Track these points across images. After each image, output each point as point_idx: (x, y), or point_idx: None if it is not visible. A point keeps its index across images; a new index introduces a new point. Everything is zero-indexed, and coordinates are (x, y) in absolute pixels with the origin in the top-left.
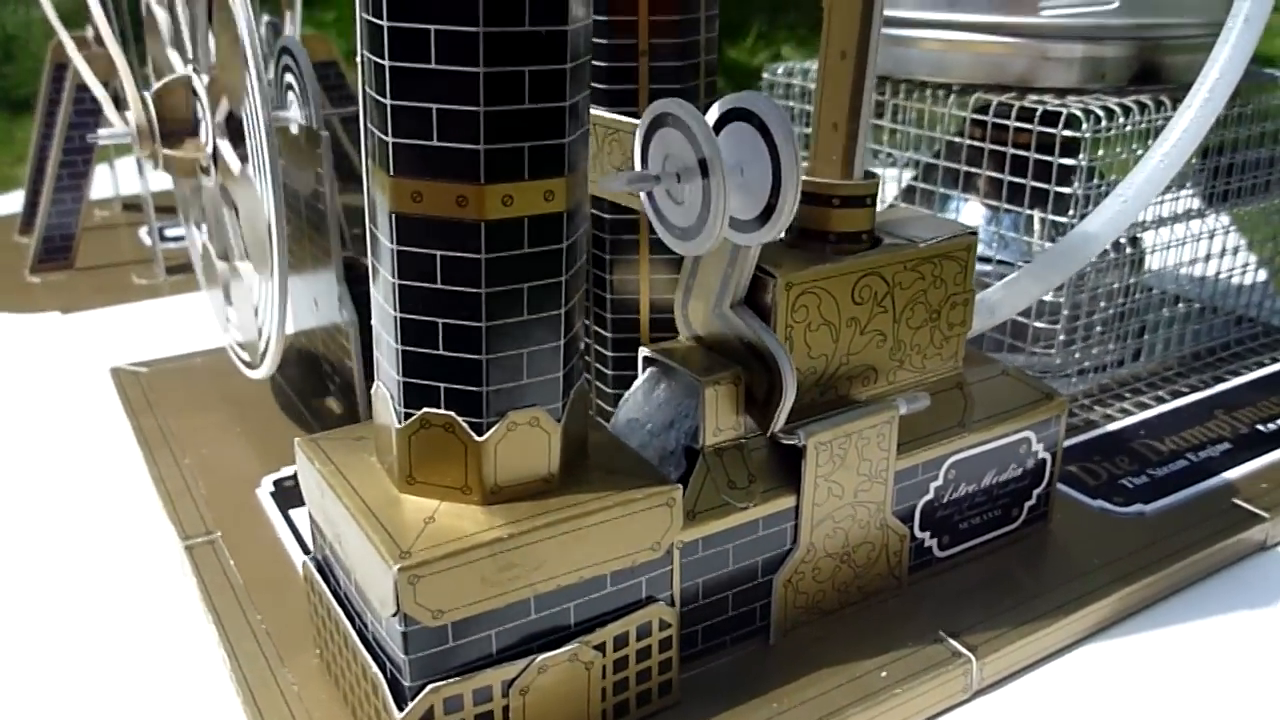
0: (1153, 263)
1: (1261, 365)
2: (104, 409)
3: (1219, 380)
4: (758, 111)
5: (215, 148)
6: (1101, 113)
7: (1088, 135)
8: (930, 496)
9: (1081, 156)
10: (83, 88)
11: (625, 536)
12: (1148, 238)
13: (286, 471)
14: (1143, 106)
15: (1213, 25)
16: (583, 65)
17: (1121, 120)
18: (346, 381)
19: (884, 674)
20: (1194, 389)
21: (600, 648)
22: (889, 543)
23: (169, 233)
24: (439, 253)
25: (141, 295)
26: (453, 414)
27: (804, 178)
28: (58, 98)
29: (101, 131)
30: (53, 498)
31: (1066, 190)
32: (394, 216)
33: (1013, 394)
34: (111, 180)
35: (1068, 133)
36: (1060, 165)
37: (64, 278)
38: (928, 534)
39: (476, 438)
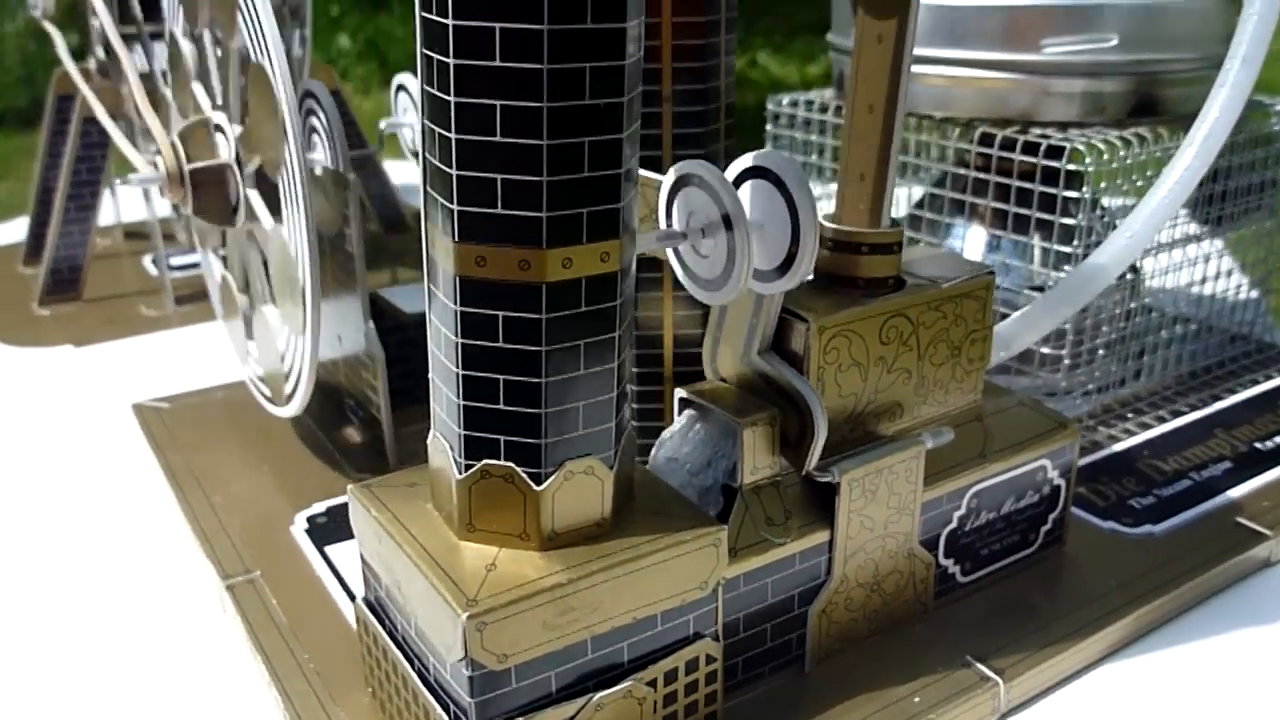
0: (1152, 285)
1: (1256, 383)
2: (127, 445)
3: (1216, 399)
4: (775, 170)
5: (244, 196)
6: (1104, 147)
7: (1091, 169)
8: (954, 525)
9: (1085, 189)
10: (90, 120)
11: (676, 577)
12: (1147, 263)
13: (319, 508)
14: (1142, 139)
15: (1206, 59)
16: (636, 131)
17: (1123, 154)
18: (371, 415)
19: (916, 699)
20: (1193, 408)
21: (652, 684)
22: (916, 571)
23: (174, 261)
24: (501, 313)
25: (152, 327)
26: (512, 465)
27: (833, 225)
28: (63, 129)
29: (132, 177)
30: (83, 537)
31: (1070, 221)
32: (458, 280)
33: (1028, 423)
34: (113, 208)
35: (1072, 166)
36: (1064, 197)
37: (73, 309)
38: (951, 561)
39: (535, 487)
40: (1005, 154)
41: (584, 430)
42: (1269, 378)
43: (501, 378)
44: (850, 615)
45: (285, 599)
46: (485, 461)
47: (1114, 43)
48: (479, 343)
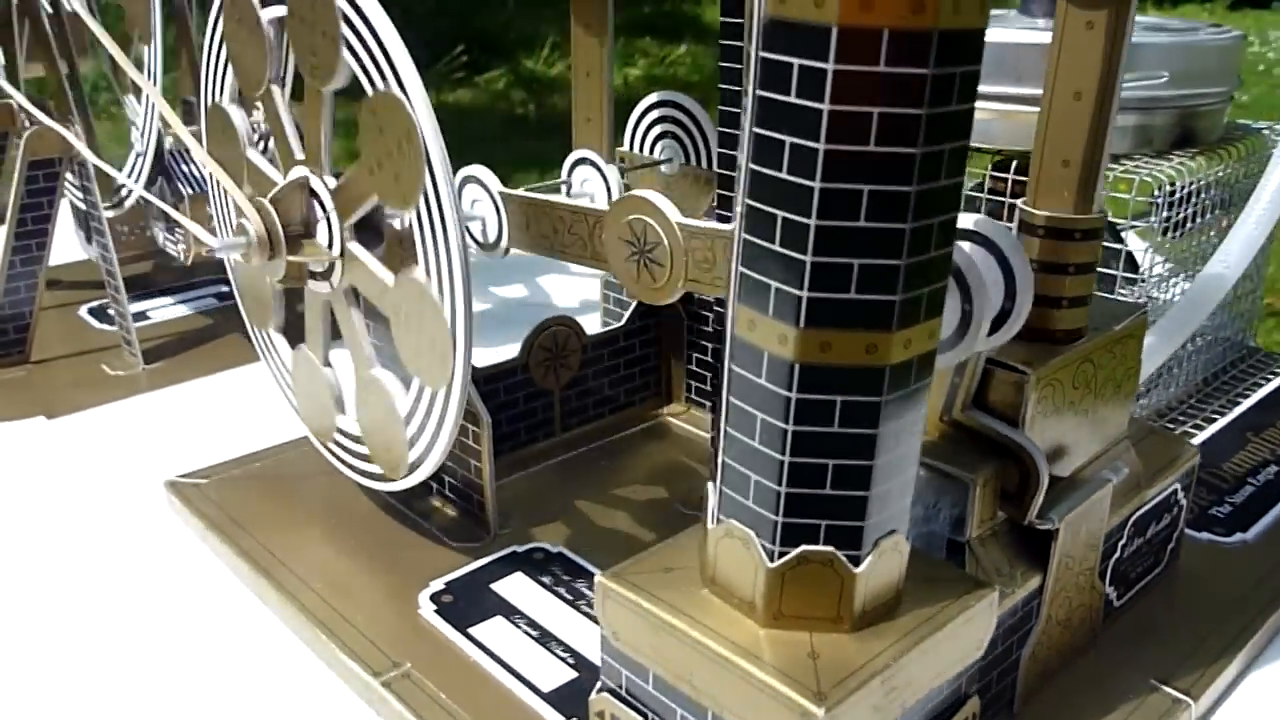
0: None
1: (1258, 386)
2: (169, 530)
3: (1233, 404)
4: (992, 236)
5: (344, 251)
6: (1174, 173)
7: (1160, 200)
8: (1117, 554)
9: (1152, 217)
10: (36, 164)
11: (964, 641)
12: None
13: (437, 586)
14: (1189, 170)
15: (1226, 91)
16: None
17: (1188, 180)
18: (467, 482)
19: None
20: (1218, 414)
21: None
22: (1093, 603)
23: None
24: (840, 398)
25: (125, 390)
26: (833, 549)
27: (1042, 213)
28: None
29: (216, 243)
30: (164, 648)
31: (1137, 247)
32: (797, 367)
33: (1159, 447)
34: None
35: (1141, 198)
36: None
37: (23, 374)
38: (1111, 588)
39: (854, 569)
40: None
41: (894, 508)
42: (1267, 380)
43: (832, 462)
44: (1048, 653)
45: (453, 690)
46: (804, 548)
47: (1165, 79)
48: (812, 429)
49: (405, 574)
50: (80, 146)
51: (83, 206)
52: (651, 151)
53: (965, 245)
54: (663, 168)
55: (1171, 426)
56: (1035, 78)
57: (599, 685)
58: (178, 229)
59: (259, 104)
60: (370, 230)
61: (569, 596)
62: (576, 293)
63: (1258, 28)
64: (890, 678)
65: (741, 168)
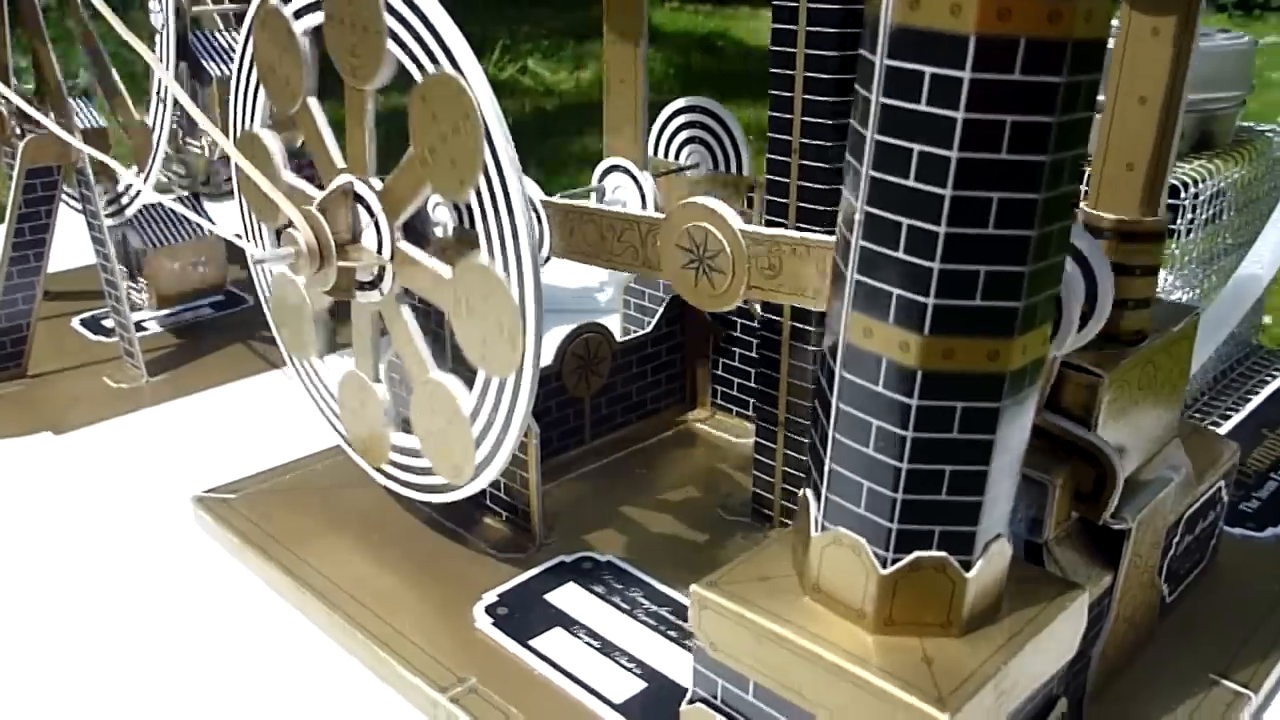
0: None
1: (1265, 383)
2: (201, 547)
3: (1244, 400)
4: (1078, 246)
5: (395, 253)
6: (1199, 174)
7: (1186, 202)
8: (1172, 551)
9: (1179, 221)
10: (34, 172)
11: (1061, 643)
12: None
13: (490, 598)
14: (1210, 172)
15: (1239, 96)
16: None
17: (1209, 181)
18: (512, 492)
19: None
20: (1232, 411)
21: None
22: (1152, 600)
23: (107, 324)
24: (960, 404)
25: (131, 404)
26: (945, 554)
27: (1109, 215)
28: None
29: (262, 254)
30: (233, 676)
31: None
32: (919, 374)
33: (1204, 445)
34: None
35: (1171, 201)
36: None
37: (22, 389)
38: (1165, 585)
39: (965, 574)
40: None
41: (1001, 511)
42: (1273, 376)
43: (949, 468)
44: (1115, 650)
45: (523, 703)
46: (917, 554)
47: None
48: (931, 435)
49: (455, 587)
50: (79, 145)
51: (81, 215)
52: (677, 157)
53: None
54: (689, 173)
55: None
56: None
57: (690, 696)
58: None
59: (295, 121)
60: (415, 234)
61: (625, 606)
62: (583, 298)
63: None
64: (1001, 680)
65: (860, 175)
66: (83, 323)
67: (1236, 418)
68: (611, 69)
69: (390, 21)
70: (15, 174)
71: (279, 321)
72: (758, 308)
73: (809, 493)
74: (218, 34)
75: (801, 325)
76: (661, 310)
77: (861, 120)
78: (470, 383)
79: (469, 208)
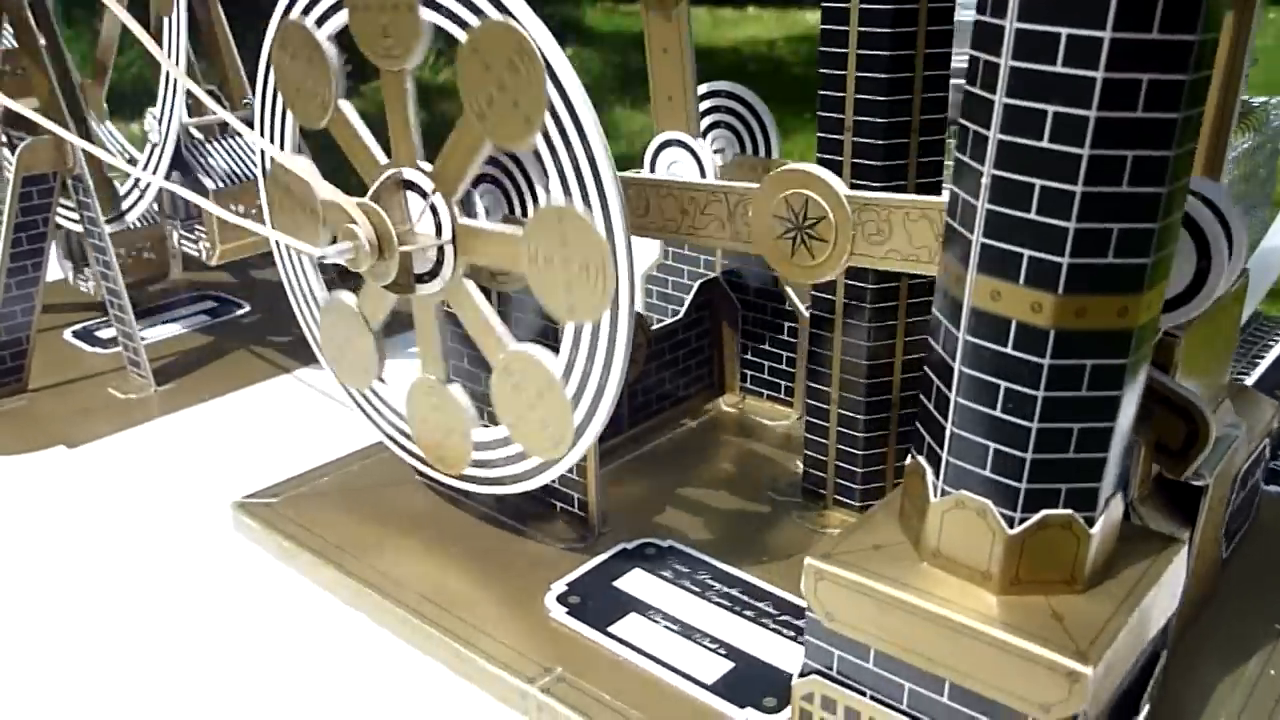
0: None
1: (1269, 347)
2: (244, 555)
3: (1253, 365)
4: (1208, 194)
5: (455, 230)
6: None
7: None
8: (1231, 507)
9: None
10: (30, 180)
11: (1170, 593)
12: None
13: (559, 588)
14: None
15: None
16: None
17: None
18: (568, 482)
19: (1272, 672)
20: (1241, 375)
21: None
22: (1215, 556)
23: (101, 334)
24: (1090, 362)
25: (141, 415)
26: (1071, 511)
27: None
28: None
29: (330, 249)
30: (306, 686)
31: None
32: (1052, 333)
33: (1252, 405)
34: None
35: None
36: None
37: (25, 403)
38: (1224, 541)
39: (1090, 530)
40: None
41: (1120, 467)
42: (1276, 341)
43: (1076, 426)
44: (1187, 607)
45: (614, 690)
46: (1044, 512)
47: None
48: (1062, 394)
49: (521, 579)
50: (82, 145)
51: (76, 226)
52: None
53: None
54: (716, 157)
55: None
56: None
57: (801, 668)
58: (198, 228)
59: (329, 131)
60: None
61: (695, 588)
62: None
63: None
64: (1130, 634)
65: (985, 139)
66: (75, 335)
67: (1247, 381)
68: (653, 39)
69: None
70: (11, 182)
71: (332, 357)
72: (790, 291)
73: (923, 460)
74: (211, 144)
75: (856, 303)
76: (691, 296)
77: (985, 85)
78: (557, 343)
79: (522, 175)
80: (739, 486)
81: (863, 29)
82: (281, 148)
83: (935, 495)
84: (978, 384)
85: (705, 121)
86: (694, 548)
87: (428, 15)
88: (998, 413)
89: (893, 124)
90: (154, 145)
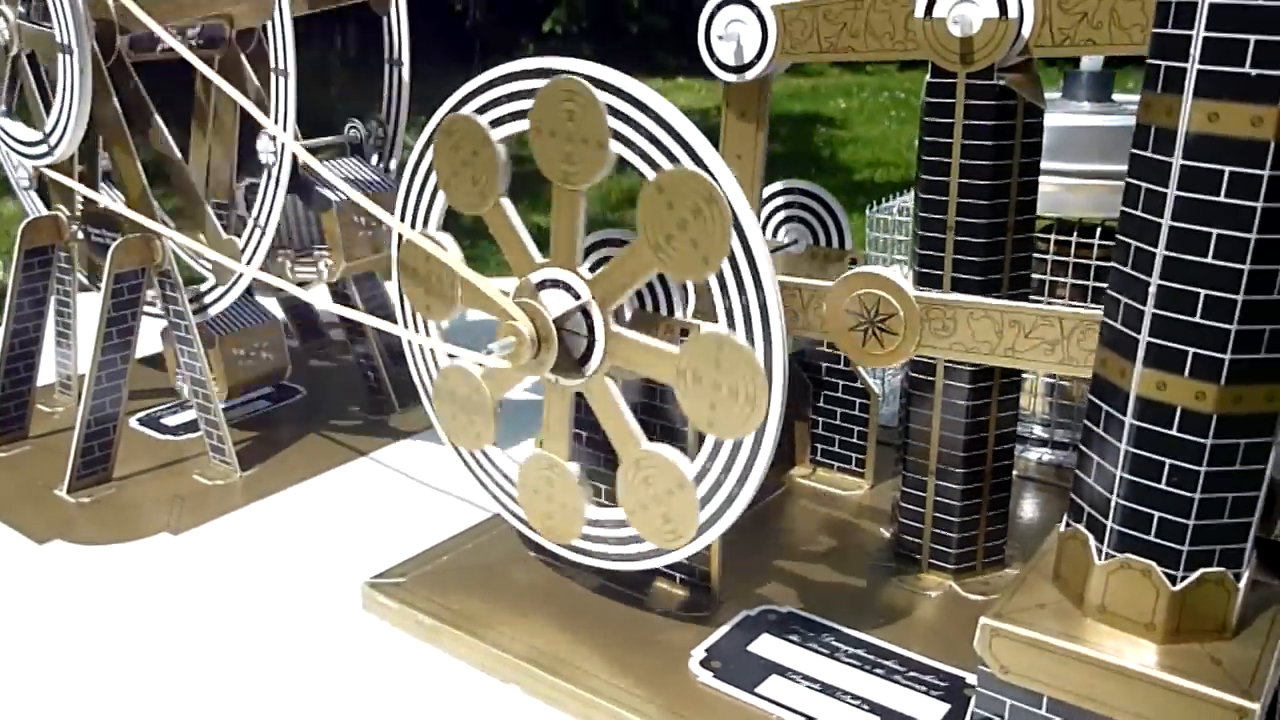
0: None
1: None
2: (381, 635)
3: None
4: None
5: (608, 335)
6: None
7: None
8: None
9: None
10: (122, 277)
11: None
12: None
13: (699, 654)
14: None
15: None
16: None
17: None
18: (692, 555)
19: None
20: None
21: None
22: None
23: (169, 421)
24: (1244, 441)
25: (235, 499)
26: (1224, 569)
27: None
28: (36, 286)
29: (494, 346)
30: None
31: None
32: (1215, 418)
33: None
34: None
35: None
36: None
37: (112, 491)
38: None
39: (1238, 585)
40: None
41: (1257, 527)
42: None
43: (1230, 496)
44: None
45: None
46: (1202, 571)
47: None
48: (1220, 469)
49: (656, 647)
50: (173, 236)
51: (162, 318)
52: (775, 235)
53: None
54: (790, 249)
55: None
56: (1094, 156)
57: (971, 715)
58: (317, 249)
59: (485, 219)
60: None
61: (824, 650)
62: None
63: None
64: (1272, 672)
65: (1153, 255)
66: (140, 422)
67: None
68: (728, 146)
69: (616, 125)
70: (105, 280)
71: (444, 414)
72: (861, 370)
73: (1082, 528)
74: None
75: (955, 383)
76: None
77: (1149, 209)
78: (688, 448)
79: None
80: (831, 553)
81: (966, 142)
82: (425, 224)
83: (1100, 559)
84: (1143, 461)
85: (778, 217)
86: (810, 612)
87: (617, 150)
88: (1163, 486)
89: (993, 224)
90: (257, 228)
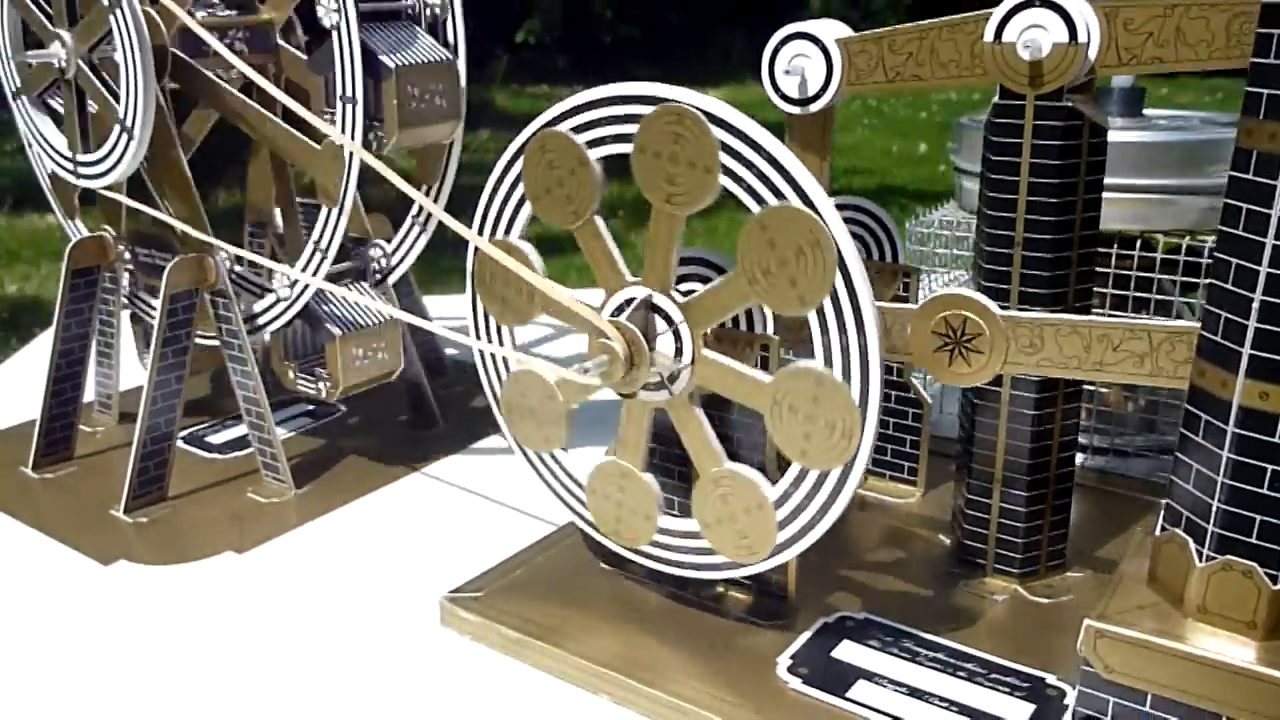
0: None
1: None
2: (459, 649)
3: None
4: None
5: (696, 358)
6: None
7: None
8: None
9: None
10: (177, 297)
11: None
12: None
13: (784, 661)
14: None
15: None
16: None
17: None
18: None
19: None
20: None
21: None
22: None
23: (213, 439)
24: None
25: (293, 516)
26: None
27: None
28: (82, 307)
29: (589, 364)
30: None
31: None
32: None
33: None
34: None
35: None
36: None
37: (168, 511)
38: None
39: None
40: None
41: None
42: None
43: None
44: None
45: None
46: None
47: None
48: None
49: (740, 654)
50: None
51: (216, 340)
52: None
53: None
54: None
55: None
56: (1126, 170)
57: (1073, 714)
58: (318, 369)
59: (576, 234)
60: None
61: (904, 655)
62: None
63: None
64: None
65: (1257, 272)
66: (185, 440)
67: None
68: None
69: (725, 159)
70: (160, 299)
71: (512, 418)
72: (915, 381)
73: (1180, 532)
74: (333, 297)
75: (1021, 393)
76: None
77: (1250, 229)
78: (768, 471)
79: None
80: (894, 560)
81: (1034, 161)
82: (508, 233)
83: (1200, 561)
84: (1246, 468)
85: None
86: (887, 618)
87: (724, 181)
88: (1265, 490)
89: (1059, 240)
90: (319, 250)
